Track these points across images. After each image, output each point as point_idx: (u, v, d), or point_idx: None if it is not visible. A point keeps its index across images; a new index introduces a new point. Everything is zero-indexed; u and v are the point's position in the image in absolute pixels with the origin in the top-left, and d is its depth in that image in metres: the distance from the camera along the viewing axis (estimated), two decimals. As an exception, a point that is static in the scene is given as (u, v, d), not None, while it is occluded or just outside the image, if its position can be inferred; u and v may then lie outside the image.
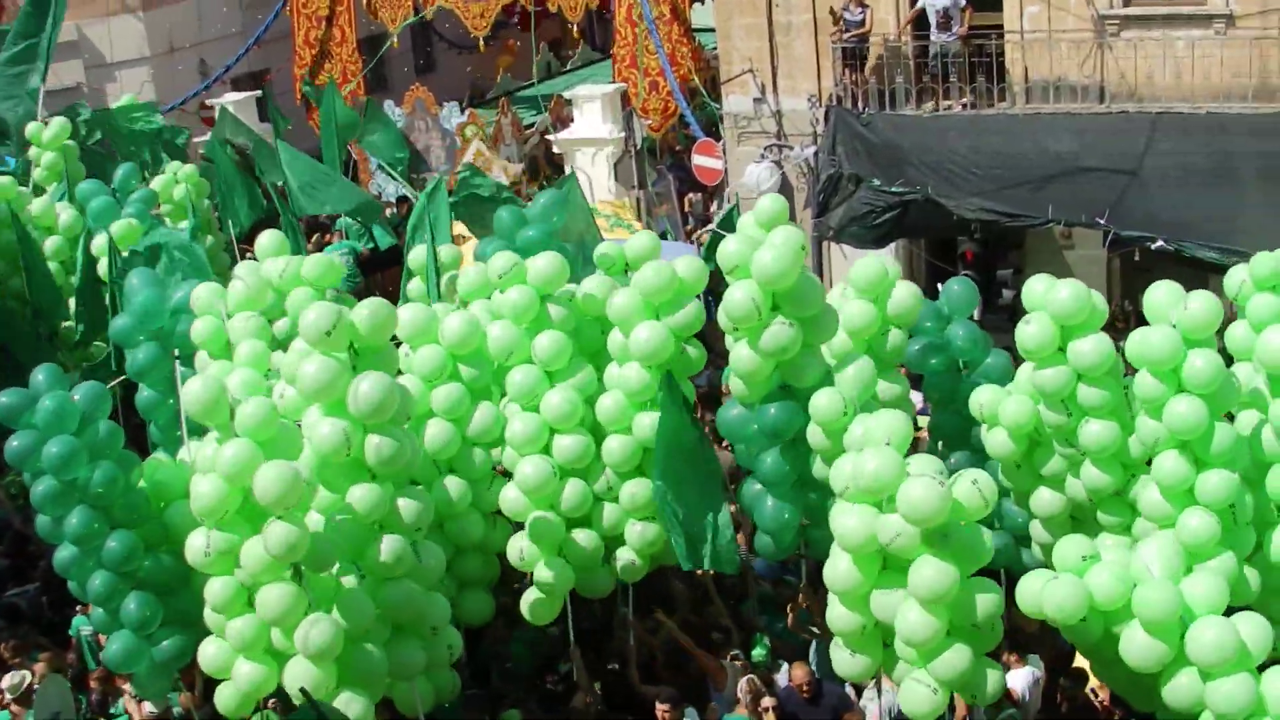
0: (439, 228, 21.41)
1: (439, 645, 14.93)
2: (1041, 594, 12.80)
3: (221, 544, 13.76)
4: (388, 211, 31.43)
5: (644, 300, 15.89)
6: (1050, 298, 14.47)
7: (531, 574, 16.57)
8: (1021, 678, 15.76)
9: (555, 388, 16.20)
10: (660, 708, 15.24)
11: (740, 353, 15.33)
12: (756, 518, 16.38)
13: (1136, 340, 13.97)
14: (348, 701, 13.98)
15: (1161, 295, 14.23)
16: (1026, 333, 14.58)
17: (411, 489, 14.70)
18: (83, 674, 17.95)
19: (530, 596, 16.58)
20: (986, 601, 12.99)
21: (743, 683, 15.75)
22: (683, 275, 15.91)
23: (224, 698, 14.55)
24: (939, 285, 18.11)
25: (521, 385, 16.25)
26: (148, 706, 16.54)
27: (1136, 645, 12.57)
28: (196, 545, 13.96)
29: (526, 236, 17.89)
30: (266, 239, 19.35)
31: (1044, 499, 15.66)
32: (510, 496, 16.22)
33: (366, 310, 14.37)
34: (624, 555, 16.72)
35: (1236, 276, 15.11)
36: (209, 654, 14.53)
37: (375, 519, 14.12)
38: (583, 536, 16.43)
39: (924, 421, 17.61)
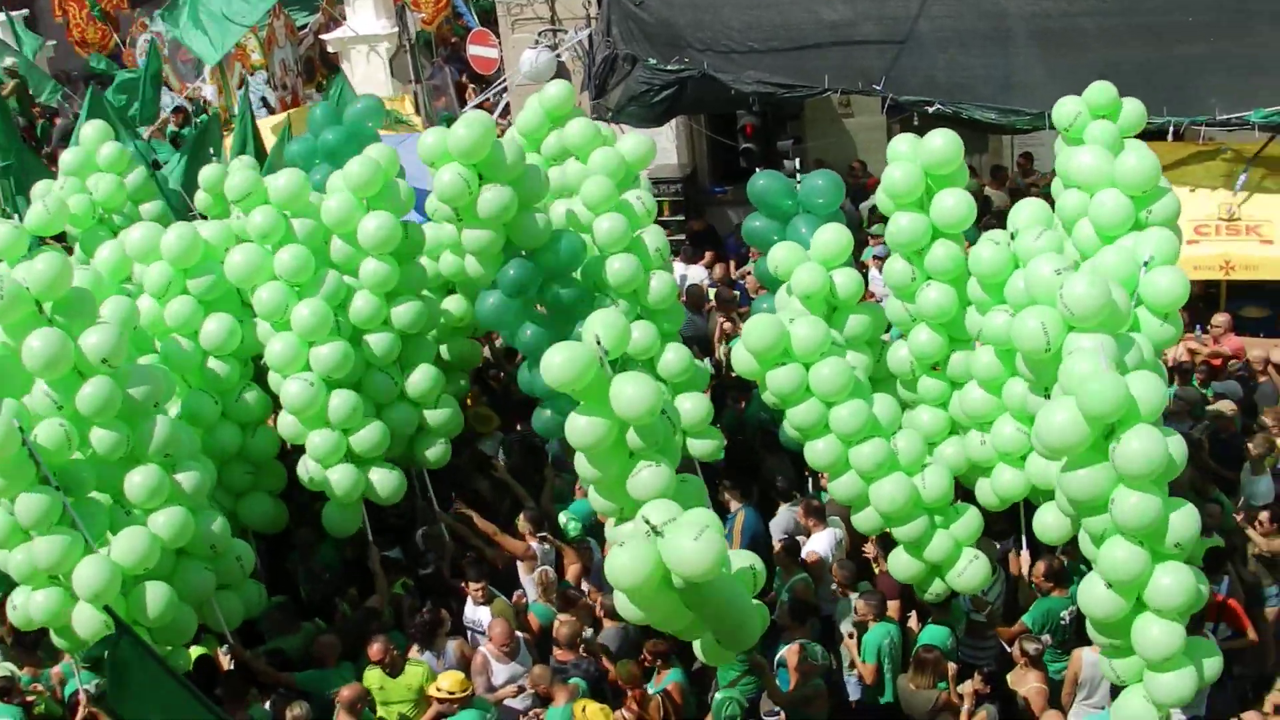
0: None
1: (227, 561, 14.43)
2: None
3: None
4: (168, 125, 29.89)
5: (355, 196, 15.64)
6: (922, 146, 14.95)
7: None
8: (823, 540, 15.77)
9: (302, 301, 15.48)
10: (473, 586, 15.16)
11: (468, 235, 15.59)
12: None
13: None
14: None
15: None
16: (894, 176, 14.93)
17: (148, 416, 13.79)
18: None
19: (329, 509, 16.17)
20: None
21: (536, 574, 15.67)
22: (382, 163, 15.78)
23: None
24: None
25: (270, 303, 15.51)
26: None
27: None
28: None
29: (327, 140, 17.30)
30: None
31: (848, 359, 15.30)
32: (286, 421, 15.95)
33: (40, 266, 13.29)
34: (427, 442, 16.72)
35: (1069, 108, 15.25)
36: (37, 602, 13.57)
37: (118, 457, 13.47)
38: (368, 433, 15.92)
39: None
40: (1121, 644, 12.29)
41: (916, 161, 14.94)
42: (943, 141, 14.87)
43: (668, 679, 13.98)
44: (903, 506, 13.74)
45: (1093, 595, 12.26)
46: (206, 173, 17.53)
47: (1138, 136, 19.25)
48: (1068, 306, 11.91)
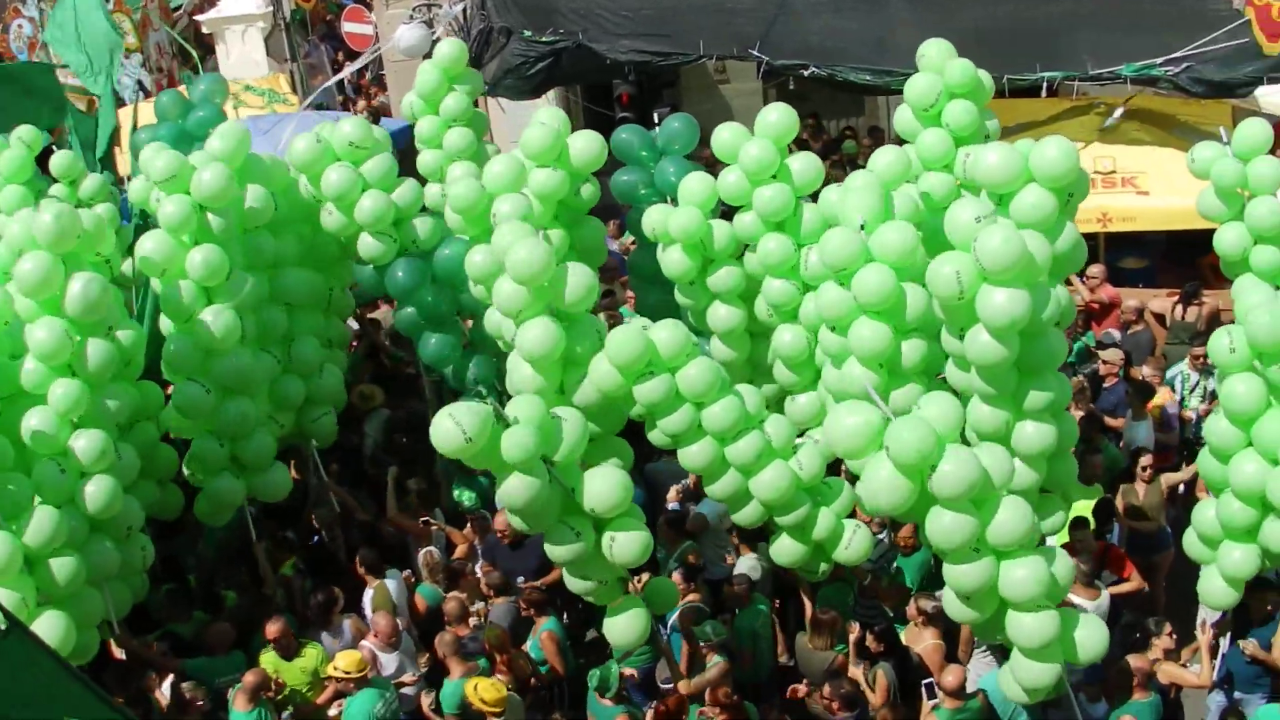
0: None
1: (133, 548, 14.07)
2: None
3: None
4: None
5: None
6: (764, 120, 14.99)
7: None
8: (712, 504, 15.48)
9: (211, 306, 14.81)
10: (362, 571, 15.11)
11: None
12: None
13: None
14: (50, 622, 12.72)
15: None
16: (751, 154, 14.80)
17: (111, 385, 13.83)
18: None
19: (200, 501, 15.76)
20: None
21: (421, 555, 15.60)
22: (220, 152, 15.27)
23: None
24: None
25: (178, 302, 14.77)
26: None
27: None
28: None
29: (199, 117, 16.96)
30: None
31: (720, 314, 15.59)
32: (175, 417, 15.48)
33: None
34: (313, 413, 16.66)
35: (926, 86, 15.02)
36: None
37: (75, 415, 13.26)
38: (261, 443, 15.63)
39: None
40: (1003, 639, 12.17)
41: (768, 136, 14.92)
42: (779, 115, 15.00)
43: (543, 627, 14.27)
44: (785, 491, 13.18)
45: (956, 608, 12.16)
46: (58, 160, 16.84)
47: (1012, 93, 19.31)
48: (981, 260, 11.67)
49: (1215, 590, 13.49)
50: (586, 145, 15.79)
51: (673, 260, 15.36)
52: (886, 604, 14.36)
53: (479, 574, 15.24)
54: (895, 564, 14.94)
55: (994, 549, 11.50)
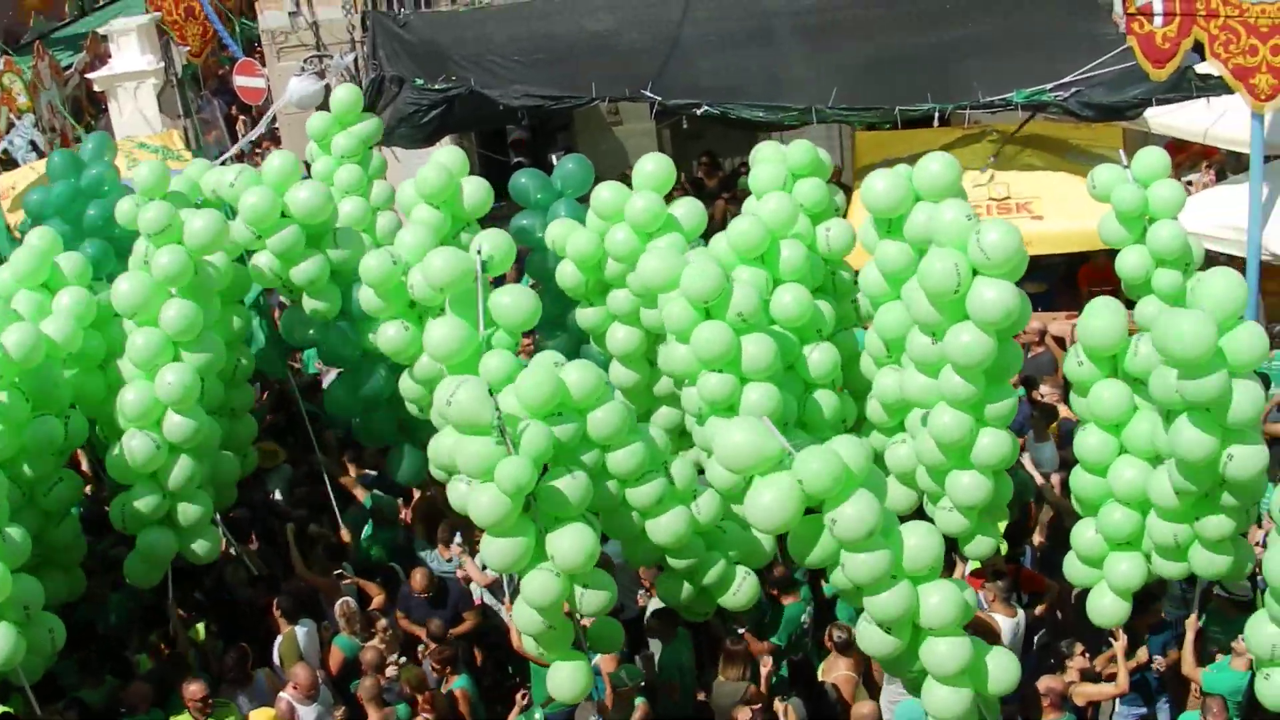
0: None
1: (39, 629, 13.26)
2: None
3: None
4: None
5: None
6: (642, 171, 15.19)
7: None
8: None
9: (171, 365, 14.34)
10: (278, 614, 14.86)
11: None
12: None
13: None
14: None
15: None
16: (638, 206, 14.81)
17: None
18: None
19: (132, 560, 15.10)
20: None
21: (338, 606, 15.18)
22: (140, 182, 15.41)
23: None
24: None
25: (143, 350, 14.34)
26: None
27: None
28: None
29: (92, 175, 16.96)
30: None
31: (618, 336, 15.55)
32: (121, 465, 14.65)
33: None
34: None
35: (774, 174, 14.95)
36: None
37: None
38: (191, 510, 14.97)
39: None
40: (915, 671, 11.91)
41: (650, 188, 15.00)
42: (655, 164, 15.21)
43: (454, 685, 14.16)
44: (683, 537, 12.88)
45: (872, 639, 11.82)
46: None
47: (904, 124, 19.34)
48: (985, 252, 12.05)
49: (1105, 606, 13.54)
50: (474, 190, 15.76)
51: (567, 273, 15.51)
52: (756, 657, 13.92)
53: (398, 624, 15.07)
54: (768, 616, 14.58)
55: (909, 574, 11.34)
